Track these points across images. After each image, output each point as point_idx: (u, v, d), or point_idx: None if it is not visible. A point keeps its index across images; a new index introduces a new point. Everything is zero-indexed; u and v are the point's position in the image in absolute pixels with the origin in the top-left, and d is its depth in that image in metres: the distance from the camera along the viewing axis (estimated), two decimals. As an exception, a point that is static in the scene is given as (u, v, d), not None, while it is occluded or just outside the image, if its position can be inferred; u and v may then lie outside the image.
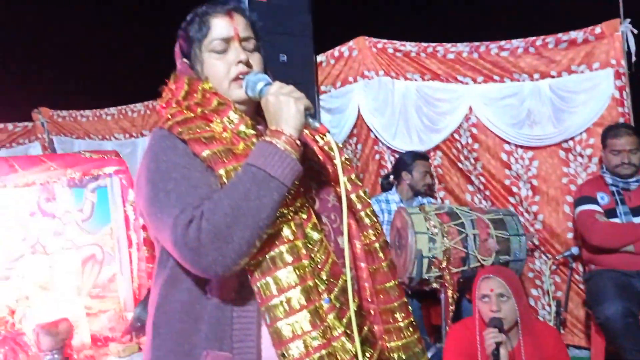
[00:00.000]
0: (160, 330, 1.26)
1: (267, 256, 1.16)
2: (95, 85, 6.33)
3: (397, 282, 1.40)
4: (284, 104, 1.17)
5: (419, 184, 3.64)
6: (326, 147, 1.39)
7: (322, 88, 4.56)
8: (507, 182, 3.81)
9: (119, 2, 6.40)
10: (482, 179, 3.91)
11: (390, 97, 4.24)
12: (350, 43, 4.37)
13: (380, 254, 1.38)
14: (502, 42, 3.74)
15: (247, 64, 1.29)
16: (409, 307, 1.42)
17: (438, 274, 3.01)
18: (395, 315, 1.38)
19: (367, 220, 1.38)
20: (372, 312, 1.37)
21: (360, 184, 1.42)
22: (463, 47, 3.90)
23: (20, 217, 3.03)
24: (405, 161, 3.72)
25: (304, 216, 1.22)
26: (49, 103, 6.12)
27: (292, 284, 1.15)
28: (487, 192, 3.89)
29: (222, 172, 1.16)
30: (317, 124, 1.20)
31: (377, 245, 1.38)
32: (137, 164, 5.39)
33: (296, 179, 1.16)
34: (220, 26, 1.29)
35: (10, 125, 5.95)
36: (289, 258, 1.16)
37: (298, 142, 1.18)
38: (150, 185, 1.18)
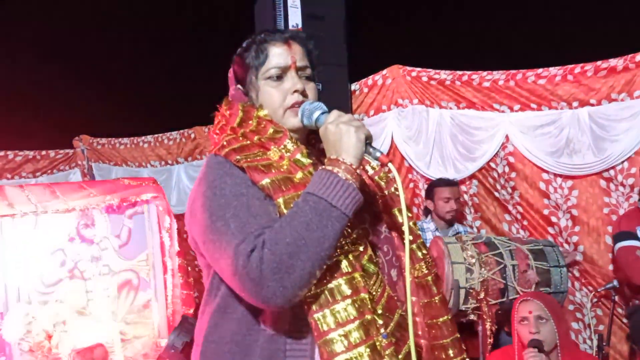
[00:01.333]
0: (213, 350, 1.23)
1: (325, 288, 1.14)
2: (133, 114, 6.49)
3: (449, 317, 1.38)
4: (345, 132, 1.16)
5: (441, 211, 3.60)
6: (376, 177, 1.39)
7: (355, 116, 4.57)
8: (545, 211, 3.72)
9: (155, 34, 6.59)
10: (519, 208, 3.83)
11: (424, 126, 4.22)
12: (384, 72, 4.40)
13: (433, 288, 1.37)
14: (539, 70, 3.71)
15: (303, 93, 1.29)
16: (462, 344, 1.40)
17: (475, 305, 2.94)
18: (447, 351, 1.36)
19: (418, 253, 1.37)
20: (422, 347, 1.35)
21: (410, 214, 1.43)
22: (499, 75, 3.88)
23: (60, 242, 3.09)
24: (428, 189, 3.71)
25: (361, 248, 1.22)
26: (88, 131, 6.32)
27: (351, 318, 1.12)
28: (525, 222, 3.80)
29: (280, 201, 1.15)
30: (378, 154, 1.19)
31: (429, 278, 1.36)
32: (172, 191, 5.49)
33: (357, 208, 1.14)
34: (278, 54, 1.29)
35: (52, 152, 6.14)
36: (347, 291, 1.14)
37: (358, 171, 1.17)
38: (208, 213, 1.16)
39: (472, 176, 4.07)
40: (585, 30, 4.69)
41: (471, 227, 4.08)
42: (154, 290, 3.29)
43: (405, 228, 1.20)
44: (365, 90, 4.50)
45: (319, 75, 3.83)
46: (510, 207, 3.90)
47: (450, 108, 4.13)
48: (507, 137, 3.86)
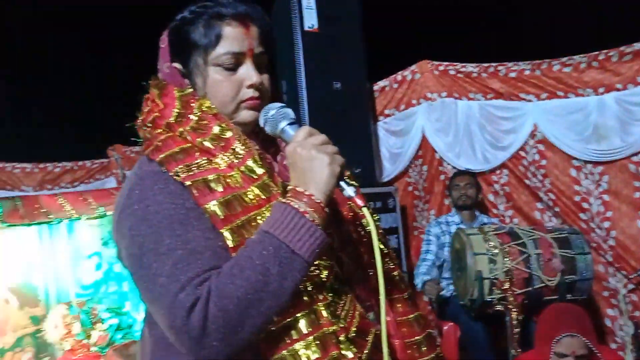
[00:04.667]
0: None
1: (280, 326, 0.99)
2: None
3: (421, 314, 1.30)
4: (317, 162, 1.01)
5: (457, 200, 3.85)
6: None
7: (386, 112, 4.77)
8: (577, 198, 3.80)
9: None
10: (551, 195, 3.92)
11: (453, 118, 4.37)
12: (413, 67, 4.57)
13: (400, 284, 1.28)
14: (564, 59, 3.80)
15: (259, 89, 1.12)
16: (435, 340, 1.34)
17: (501, 295, 3.06)
18: (420, 349, 1.28)
19: (383, 248, 1.23)
20: (397, 346, 1.25)
21: (367, 204, 1.20)
22: (524, 66, 3.99)
23: (95, 246, 3.38)
24: (447, 184, 3.92)
25: (325, 272, 1.05)
26: (122, 140, 6.69)
27: (315, 358, 0.99)
28: (557, 209, 3.89)
29: (227, 234, 0.99)
30: (351, 193, 1.04)
31: (395, 274, 1.27)
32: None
33: (322, 254, 1.01)
34: (233, 37, 1.10)
35: (88, 163, 6.54)
36: (306, 328, 1.00)
37: (326, 209, 1.01)
38: (137, 243, 1.00)
39: (503, 165, 4.19)
40: (608, 16, 4.73)
41: (503, 216, 4.19)
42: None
43: (380, 275, 1.03)
44: (395, 85, 4.68)
45: (337, 74, 4.01)
46: (541, 195, 3.99)
47: (478, 99, 4.26)
48: (535, 125, 3.97)
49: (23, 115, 6.47)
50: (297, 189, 1.01)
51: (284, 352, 0.99)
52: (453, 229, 3.68)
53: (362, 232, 1.21)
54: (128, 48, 6.76)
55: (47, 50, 6.57)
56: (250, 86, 1.11)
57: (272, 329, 0.98)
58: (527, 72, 3.97)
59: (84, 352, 3.01)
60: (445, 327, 3.57)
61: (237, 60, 1.11)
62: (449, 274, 3.67)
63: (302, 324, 1.00)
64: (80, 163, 6.50)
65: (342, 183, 1.03)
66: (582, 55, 3.72)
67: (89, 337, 3.06)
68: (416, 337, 1.27)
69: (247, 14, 1.12)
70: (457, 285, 3.33)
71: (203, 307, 0.92)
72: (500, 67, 4.11)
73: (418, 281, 3.64)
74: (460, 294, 3.27)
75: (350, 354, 1.02)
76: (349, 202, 1.20)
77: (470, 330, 3.32)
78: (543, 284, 3.03)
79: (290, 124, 1.09)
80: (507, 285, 3.04)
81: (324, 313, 1.02)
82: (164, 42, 1.17)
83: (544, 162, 3.97)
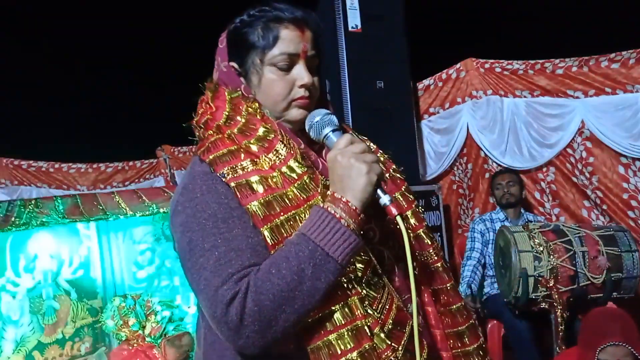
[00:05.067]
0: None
1: (316, 318, 1.06)
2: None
3: (463, 304, 1.34)
4: (355, 170, 1.07)
5: (500, 199, 3.88)
6: (391, 170, 1.36)
7: (431, 110, 4.82)
8: (625, 195, 3.77)
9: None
10: (598, 193, 3.90)
11: (499, 115, 4.39)
12: (458, 65, 4.61)
13: (444, 275, 1.33)
14: (612, 55, 3.77)
15: (310, 89, 1.20)
16: (478, 330, 1.37)
17: (546, 293, 3.07)
18: (463, 339, 1.32)
19: (426, 240, 1.33)
20: (437, 337, 1.30)
21: (412, 197, 1.36)
22: (572, 62, 3.97)
23: (148, 242, 3.57)
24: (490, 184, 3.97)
25: (360, 268, 1.10)
26: (170, 141, 6.93)
27: (347, 349, 1.05)
28: (604, 207, 3.86)
29: (267, 232, 1.07)
30: (387, 201, 1.09)
31: (439, 265, 1.32)
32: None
33: (355, 257, 1.08)
34: (290, 39, 1.18)
35: (138, 163, 6.80)
36: (341, 320, 1.06)
37: (362, 216, 1.07)
38: (187, 238, 1.09)
39: (549, 163, 4.19)
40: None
41: (549, 215, 4.18)
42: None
43: (412, 281, 1.10)
44: (440, 84, 4.73)
45: (380, 73, 4.09)
46: (589, 193, 3.97)
47: (525, 97, 4.26)
48: (582, 122, 3.95)
49: (78, 118, 6.78)
50: (335, 195, 1.07)
51: (319, 342, 1.06)
52: (497, 226, 3.70)
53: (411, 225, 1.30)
54: (178, 51, 7.01)
55: (101, 54, 6.86)
56: (302, 86, 1.19)
57: (309, 320, 1.05)
58: (574, 69, 3.95)
59: (139, 342, 3.19)
60: (489, 325, 3.60)
61: (291, 61, 1.19)
62: (492, 272, 3.69)
63: (337, 317, 1.06)
64: (130, 163, 6.76)
65: (378, 191, 1.09)
66: (630, 50, 3.68)
67: (143, 328, 3.24)
68: (459, 327, 1.32)
69: (303, 18, 1.20)
70: (501, 283, 3.35)
71: (241, 301, 1.00)
72: (547, 64, 4.10)
73: (461, 290, 3.67)
74: (504, 292, 3.30)
75: (383, 346, 1.08)
76: (395, 195, 1.29)
77: (514, 328, 3.34)
78: (589, 282, 3.02)
79: (333, 130, 1.16)
80: (551, 283, 3.04)
81: (358, 306, 1.07)
82: (222, 42, 1.25)
83: (591, 160, 3.95)
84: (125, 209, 3.36)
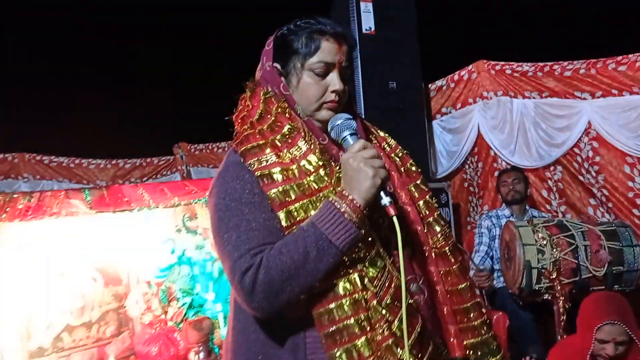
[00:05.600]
0: (237, 337, 1.41)
1: (322, 289, 1.26)
2: (230, 118, 7.22)
3: (469, 284, 1.50)
4: (362, 174, 1.25)
5: (503, 194, 4.07)
6: (392, 155, 1.53)
7: (443, 110, 5.00)
8: (630, 194, 3.93)
9: (241, 41, 7.29)
10: (604, 191, 4.06)
11: (508, 115, 4.56)
12: (470, 67, 4.78)
13: (451, 258, 1.48)
14: (619, 58, 3.93)
15: (340, 95, 1.40)
16: (483, 308, 1.51)
17: (549, 284, 3.24)
18: (469, 315, 1.47)
19: (436, 226, 1.49)
20: (445, 312, 1.46)
21: (426, 189, 1.54)
22: (580, 64, 4.14)
23: (169, 233, 3.78)
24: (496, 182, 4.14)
25: (364, 248, 1.28)
26: (186, 138, 7.15)
27: (345, 316, 1.25)
28: (610, 205, 4.03)
29: (282, 215, 1.27)
30: (386, 202, 1.27)
31: (446, 249, 1.48)
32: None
33: (354, 246, 1.26)
34: (328, 50, 1.38)
35: (155, 160, 7.03)
36: (341, 292, 1.26)
37: (365, 211, 1.26)
38: (216, 216, 1.32)
39: (557, 162, 4.35)
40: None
41: (556, 212, 4.34)
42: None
43: (402, 278, 1.26)
44: (452, 85, 4.91)
45: (392, 74, 4.28)
46: (595, 191, 4.13)
47: (534, 98, 4.43)
48: (589, 123, 4.11)
49: (98, 116, 7.01)
50: (343, 192, 1.27)
51: (322, 309, 1.26)
52: (503, 222, 3.87)
53: (422, 213, 1.48)
54: (196, 53, 7.23)
55: (122, 54, 7.09)
56: (334, 91, 1.39)
57: (315, 291, 1.26)
58: (582, 71, 4.12)
59: (161, 326, 3.40)
60: (494, 317, 3.77)
61: (327, 69, 1.39)
62: (498, 266, 3.86)
63: (338, 289, 1.26)
64: (148, 160, 7.00)
65: (381, 193, 1.27)
66: (637, 54, 3.84)
67: (165, 313, 3.45)
68: (465, 304, 1.48)
69: (342, 34, 1.41)
70: (506, 275, 3.52)
71: (254, 272, 1.22)
72: (555, 66, 4.27)
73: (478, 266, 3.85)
74: (508, 283, 3.47)
75: (377, 316, 1.27)
76: (409, 187, 1.50)
77: (518, 318, 3.51)
78: (590, 274, 3.19)
79: (351, 134, 1.36)
80: (554, 275, 3.21)
81: (357, 282, 1.27)
82: (269, 45, 1.46)
83: (597, 159, 4.11)
84: (149, 201, 3.56)
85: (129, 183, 6.59)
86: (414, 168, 1.54)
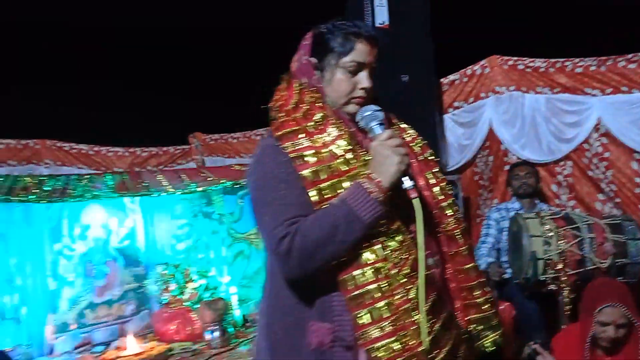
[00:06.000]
0: (271, 301, 1.58)
1: (348, 258, 1.43)
2: (245, 109, 7.37)
3: (475, 265, 1.67)
4: (389, 159, 1.42)
5: (517, 189, 4.16)
6: (412, 144, 1.68)
7: (455, 104, 5.08)
8: (637, 190, 4.02)
9: (262, 37, 7.42)
10: (612, 187, 4.15)
11: (520, 110, 4.63)
12: (483, 62, 4.86)
13: (460, 240, 1.64)
14: (629, 55, 4.01)
15: (367, 91, 1.56)
16: (486, 287, 1.67)
17: (554, 275, 3.34)
18: (473, 292, 1.65)
19: (448, 211, 1.64)
20: (452, 289, 1.64)
21: (442, 177, 1.69)
22: (591, 62, 4.21)
23: (187, 218, 3.94)
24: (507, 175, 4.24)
25: (386, 224, 1.45)
26: (202, 128, 7.29)
27: (369, 281, 1.42)
28: (618, 200, 4.12)
29: (314, 192, 1.44)
30: (408, 186, 1.44)
31: (456, 232, 1.64)
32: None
33: (378, 221, 1.43)
34: (362, 51, 1.54)
35: (171, 149, 7.18)
36: (364, 261, 1.43)
37: (389, 193, 1.43)
38: (255, 192, 1.51)
39: (567, 157, 4.43)
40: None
41: (565, 207, 4.43)
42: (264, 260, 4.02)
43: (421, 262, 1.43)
44: (465, 79, 4.99)
45: (405, 68, 4.36)
46: (603, 186, 4.22)
47: (545, 93, 4.52)
48: (599, 119, 4.20)
49: (117, 104, 7.18)
50: (371, 175, 1.43)
51: (347, 275, 1.43)
52: (512, 214, 3.98)
53: (437, 198, 1.65)
54: (213, 42, 7.36)
55: (140, 42, 7.25)
56: (362, 89, 1.56)
57: (343, 259, 1.42)
58: (592, 68, 4.20)
59: (178, 306, 3.56)
60: (501, 307, 3.88)
61: (358, 68, 1.55)
62: (506, 258, 3.97)
63: (363, 258, 1.44)
64: (164, 148, 7.14)
65: (404, 178, 1.44)
66: (647, 52, 3.93)
67: (182, 293, 3.62)
68: (470, 283, 1.65)
69: (375, 37, 1.57)
70: (513, 266, 3.63)
71: (290, 240, 1.40)
72: (567, 63, 4.35)
73: (481, 262, 3.95)
74: (515, 274, 3.58)
75: (396, 283, 1.44)
76: (426, 174, 1.65)
77: (524, 308, 3.61)
78: (595, 266, 3.28)
79: (378, 124, 1.52)
80: (560, 266, 3.31)
81: (379, 253, 1.44)
82: (307, 40, 1.61)
83: (607, 155, 4.20)
84: (167, 187, 3.72)
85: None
86: (431, 157, 1.70)
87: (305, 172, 1.45)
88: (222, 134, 7.05)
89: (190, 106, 7.74)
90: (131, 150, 6.89)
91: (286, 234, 1.40)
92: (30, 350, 3.12)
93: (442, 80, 5.09)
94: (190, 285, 3.65)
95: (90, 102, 6.98)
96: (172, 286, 3.61)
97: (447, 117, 5.13)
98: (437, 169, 1.69)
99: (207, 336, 3.38)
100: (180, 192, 3.85)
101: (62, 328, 3.31)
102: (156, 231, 3.81)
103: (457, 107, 5.07)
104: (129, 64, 7.36)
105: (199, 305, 3.54)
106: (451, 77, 5.06)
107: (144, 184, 3.66)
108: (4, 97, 6.42)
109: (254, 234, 4.06)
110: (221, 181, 4.00)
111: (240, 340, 3.42)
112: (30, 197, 3.15)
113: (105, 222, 3.62)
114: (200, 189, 3.91)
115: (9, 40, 6.80)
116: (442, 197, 1.65)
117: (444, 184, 1.68)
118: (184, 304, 3.58)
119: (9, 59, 6.76)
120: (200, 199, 4.03)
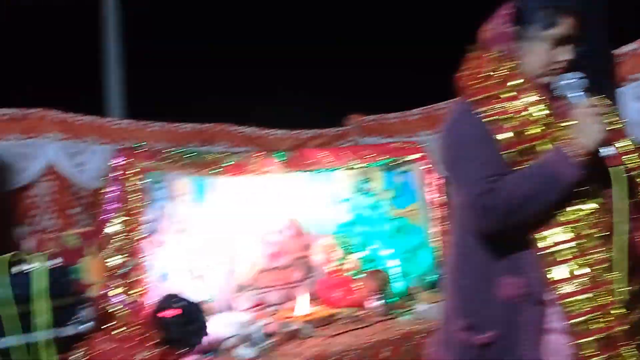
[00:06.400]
0: (461, 257, 1.71)
1: (542, 218, 1.54)
2: (402, 90, 7.49)
3: None
4: (595, 126, 1.51)
5: None
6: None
7: (631, 77, 4.73)
8: None
9: (410, 14, 7.45)
10: None
11: None
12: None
13: None
14: None
15: (567, 66, 1.63)
16: None
17: None
18: None
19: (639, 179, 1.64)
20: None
21: (633, 147, 1.67)
22: None
23: (348, 193, 4.16)
24: None
25: (581, 186, 1.53)
26: (358, 110, 7.51)
27: (560, 241, 1.53)
28: None
29: (511, 154, 1.54)
30: (610, 152, 1.53)
31: None
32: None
33: (576, 184, 1.52)
34: (565, 25, 1.60)
35: (329, 131, 7.47)
36: (562, 220, 1.54)
37: (588, 157, 1.51)
38: (454, 152, 1.64)
39: None
40: None
41: None
42: (424, 235, 4.14)
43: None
44: (646, 49, 4.62)
45: (583, 39, 4.14)
46: None
47: None
48: None
49: (280, 89, 7.68)
50: (574, 140, 1.52)
51: (540, 234, 1.55)
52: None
53: (628, 166, 1.63)
54: (368, 25, 7.53)
55: (299, 33, 7.65)
56: (561, 61, 1.64)
57: (539, 218, 1.54)
58: None
59: (340, 275, 3.80)
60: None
61: (559, 42, 1.62)
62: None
63: (558, 218, 1.55)
64: (323, 131, 7.46)
65: (603, 146, 1.52)
66: None
67: (344, 264, 3.85)
68: None
69: (576, 12, 1.63)
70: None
71: (494, 195, 1.51)
72: None
73: None
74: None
75: (590, 245, 1.54)
76: (620, 141, 1.64)
77: None
78: None
79: (582, 92, 1.59)
80: None
81: (573, 214, 1.55)
82: (509, 9, 1.67)
83: None
84: (331, 164, 3.97)
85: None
86: (620, 126, 1.70)
87: (501, 136, 1.56)
88: (378, 115, 7.19)
89: (346, 89, 8.01)
90: (292, 132, 7.28)
91: (489, 189, 1.51)
92: (212, 305, 3.47)
93: (619, 50, 4.75)
94: (352, 257, 3.86)
95: (262, 88, 7.44)
96: (335, 257, 3.86)
97: (626, 91, 4.80)
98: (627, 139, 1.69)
99: (369, 304, 3.58)
100: (343, 169, 4.07)
101: (239, 289, 3.67)
102: (320, 205, 4.08)
103: (637, 79, 4.71)
104: (287, 47, 7.73)
105: (360, 276, 3.75)
106: (634, 45, 4.68)
107: (308, 162, 3.90)
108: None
109: (411, 210, 4.17)
110: (379, 158, 4.16)
111: (401, 310, 3.58)
112: (214, 171, 3.50)
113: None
114: (359, 166, 4.10)
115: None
116: (635, 165, 1.64)
117: (636, 154, 1.67)
118: (345, 274, 3.81)
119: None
120: (360, 176, 4.22)
